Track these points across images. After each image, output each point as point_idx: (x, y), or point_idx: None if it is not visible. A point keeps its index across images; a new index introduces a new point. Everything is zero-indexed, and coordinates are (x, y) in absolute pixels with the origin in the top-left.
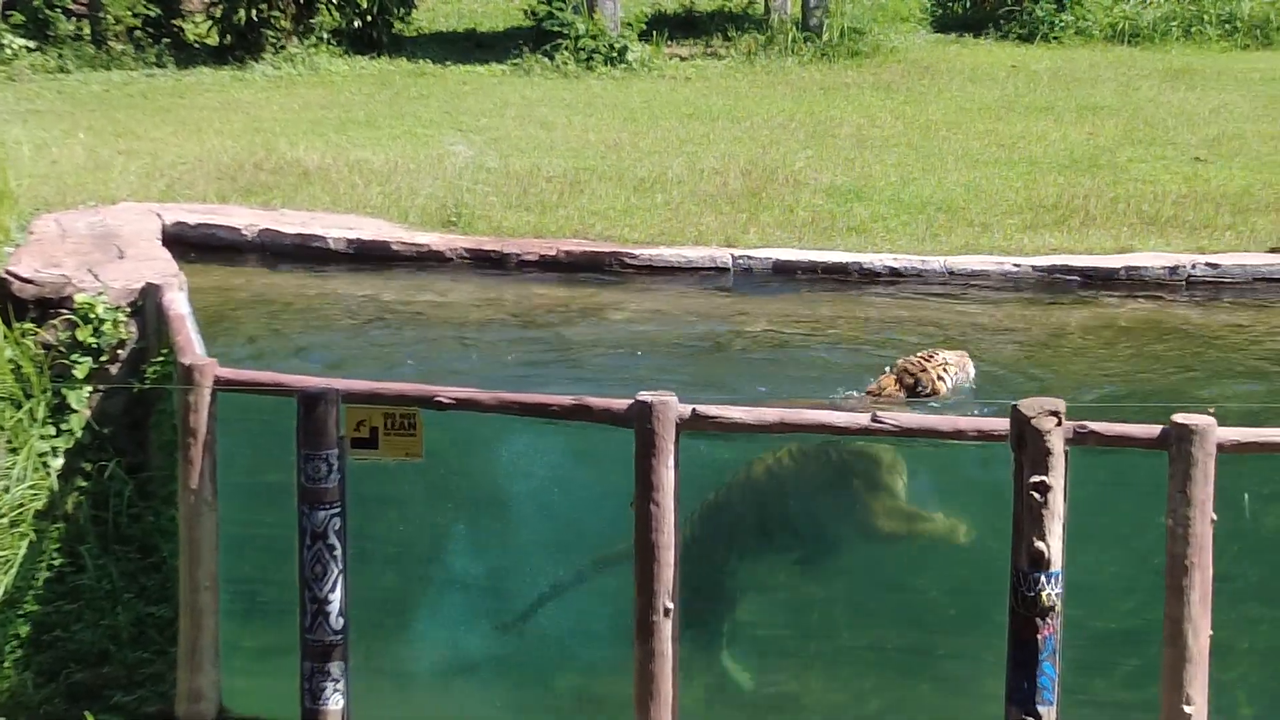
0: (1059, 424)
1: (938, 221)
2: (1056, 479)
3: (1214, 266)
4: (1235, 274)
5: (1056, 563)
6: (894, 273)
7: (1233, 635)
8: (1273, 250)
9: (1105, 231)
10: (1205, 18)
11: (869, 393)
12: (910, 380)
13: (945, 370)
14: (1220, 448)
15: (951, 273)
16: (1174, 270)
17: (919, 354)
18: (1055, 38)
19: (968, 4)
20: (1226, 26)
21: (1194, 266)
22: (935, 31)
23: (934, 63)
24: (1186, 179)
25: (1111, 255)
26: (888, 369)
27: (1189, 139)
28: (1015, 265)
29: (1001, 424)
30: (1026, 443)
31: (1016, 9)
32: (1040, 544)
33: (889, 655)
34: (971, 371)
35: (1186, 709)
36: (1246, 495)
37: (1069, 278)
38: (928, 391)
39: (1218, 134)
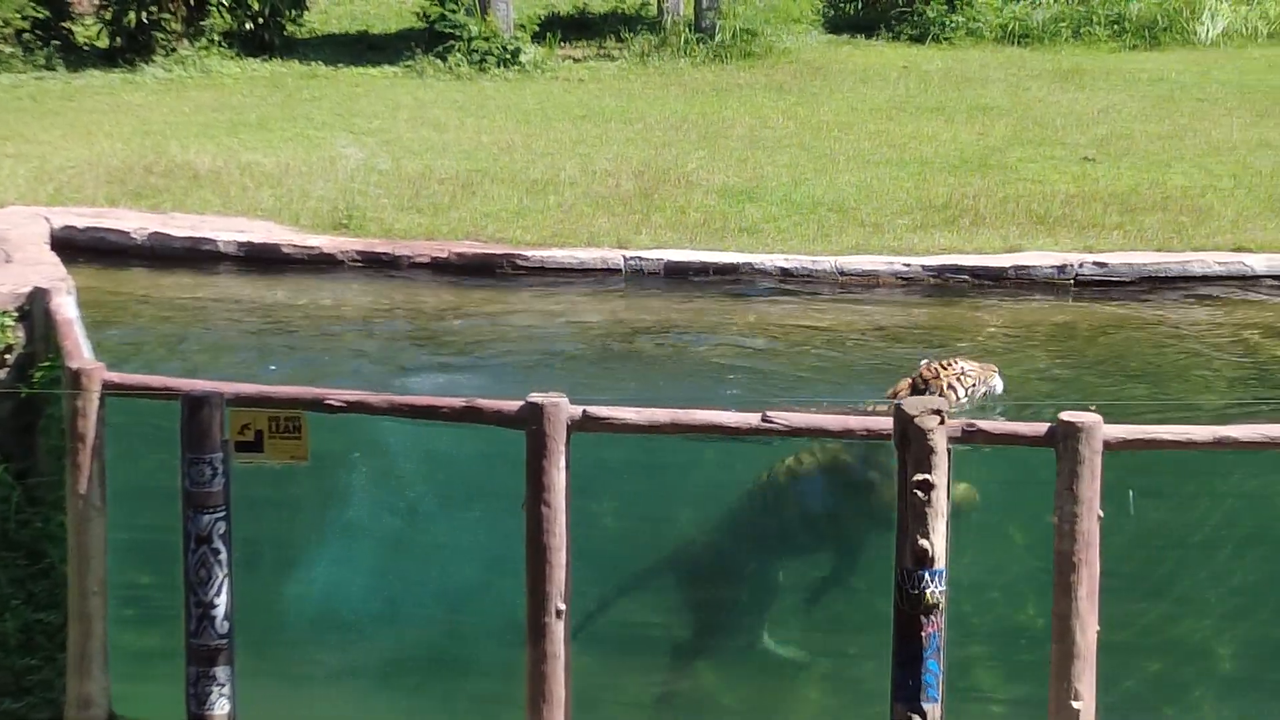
0: (941, 423)
1: (829, 222)
2: (940, 477)
3: (1102, 265)
4: (1123, 273)
5: (940, 560)
6: (785, 273)
7: (1120, 630)
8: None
9: (995, 231)
10: (1094, 19)
11: (887, 396)
12: (921, 385)
13: (960, 379)
14: (1107, 445)
15: (842, 273)
16: (1062, 269)
17: (941, 360)
18: (946, 38)
19: (860, 5)
20: (1115, 27)
21: (1082, 265)
22: (827, 32)
23: (826, 64)
24: (1075, 178)
25: (1001, 254)
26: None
27: (1078, 139)
28: (906, 265)
29: (890, 423)
30: (910, 441)
31: (908, 10)
32: (924, 542)
33: (770, 654)
34: (997, 385)
35: (1075, 704)
36: (1131, 492)
37: (959, 277)
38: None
39: (1106, 134)
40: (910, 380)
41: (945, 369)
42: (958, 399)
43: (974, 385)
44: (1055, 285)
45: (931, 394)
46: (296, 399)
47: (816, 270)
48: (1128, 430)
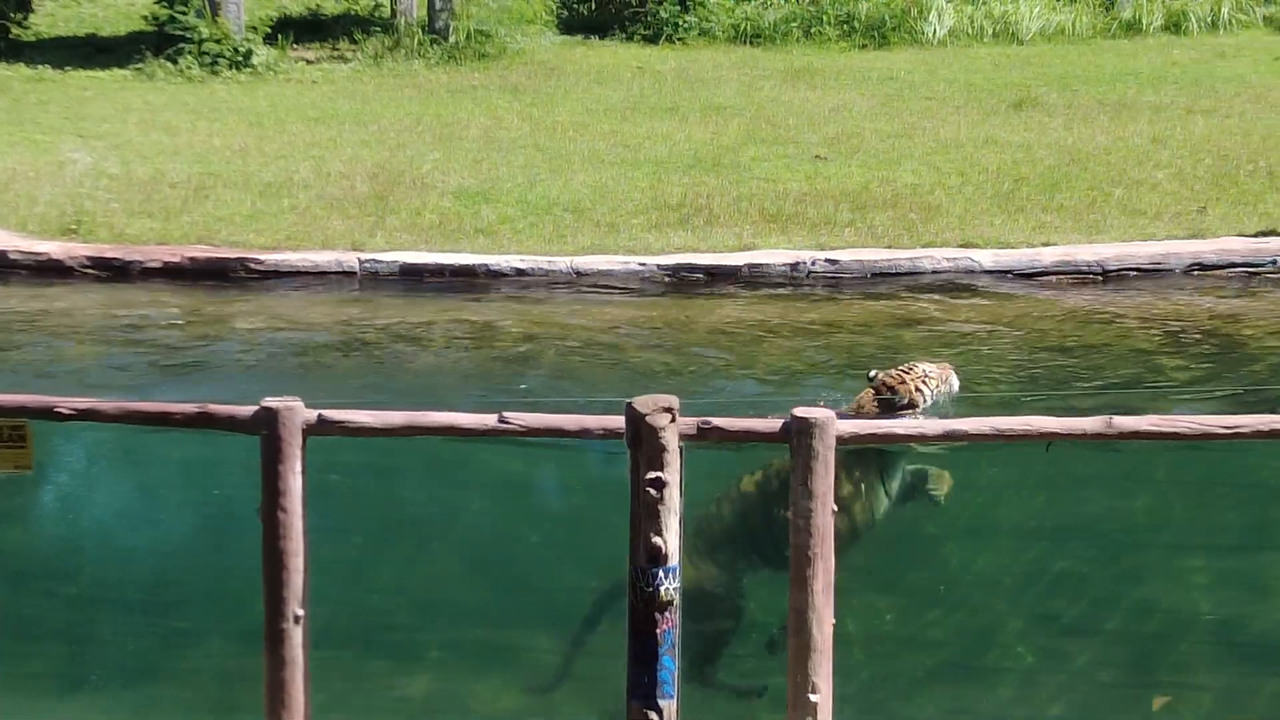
0: (673, 420)
1: (565, 222)
2: (672, 475)
3: (833, 262)
4: (854, 269)
5: (674, 558)
6: (521, 274)
7: (857, 622)
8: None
9: (729, 230)
10: (824, 19)
11: (851, 408)
12: (888, 394)
13: (925, 382)
14: (840, 440)
15: (578, 273)
16: (795, 267)
17: (899, 367)
18: (679, 39)
19: (593, 6)
20: (845, 27)
21: (814, 263)
22: (562, 33)
23: (560, 64)
24: (808, 177)
25: (735, 253)
26: (870, 378)
27: (810, 138)
28: (641, 264)
29: (609, 421)
30: (642, 439)
31: (641, 10)
32: (657, 539)
33: (513, 653)
34: (955, 384)
35: (813, 697)
36: (864, 485)
37: (694, 275)
38: (904, 403)
39: (837, 132)
40: (873, 390)
41: (908, 373)
42: (925, 402)
43: (937, 387)
44: (788, 282)
45: (900, 400)
46: (22, 407)
47: (552, 271)
48: (860, 425)
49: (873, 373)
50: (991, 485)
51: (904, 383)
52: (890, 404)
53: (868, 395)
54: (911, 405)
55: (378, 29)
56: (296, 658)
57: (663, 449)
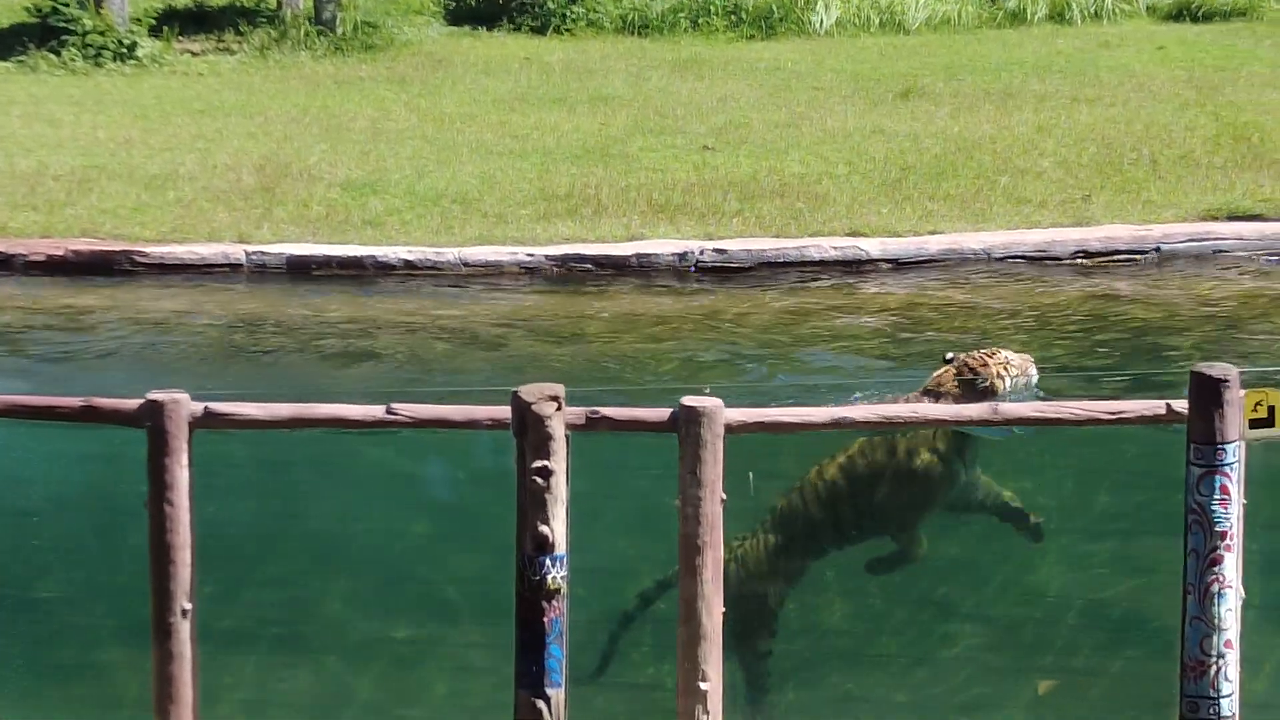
0: (559, 408)
1: (453, 213)
2: (559, 463)
3: (721, 252)
4: (742, 258)
5: (561, 546)
6: (409, 265)
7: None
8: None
9: (617, 220)
10: (712, 9)
11: (927, 389)
12: (969, 375)
13: (1006, 369)
14: (728, 428)
15: (466, 264)
16: (683, 256)
17: (981, 350)
18: (567, 29)
19: None
20: (732, 17)
21: (702, 252)
22: (449, 24)
23: (448, 55)
24: (696, 167)
25: (623, 243)
26: (946, 359)
27: (698, 128)
28: (529, 255)
29: (497, 411)
30: (528, 428)
31: (528, 1)
32: (544, 528)
33: (400, 645)
34: (1034, 375)
35: (702, 685)
36: (751, 474)
37: (582, 266)
38: (985, 385)
39: (725, 122)
40: (954, 369)
41: (991, 358)
42: (1004, 389)
43: (1016, 376)
44: (677, 272)
45: (982, 382)
46: None
47: (440, 262)
48: (748, 414)
49: (950, 354)
50: None
51: (986, 365)
52: (971, 385)
53: (948, 374)
54: (992, 390)
55: (264, 21)
56: (184, 651)
57: (549, 438)
